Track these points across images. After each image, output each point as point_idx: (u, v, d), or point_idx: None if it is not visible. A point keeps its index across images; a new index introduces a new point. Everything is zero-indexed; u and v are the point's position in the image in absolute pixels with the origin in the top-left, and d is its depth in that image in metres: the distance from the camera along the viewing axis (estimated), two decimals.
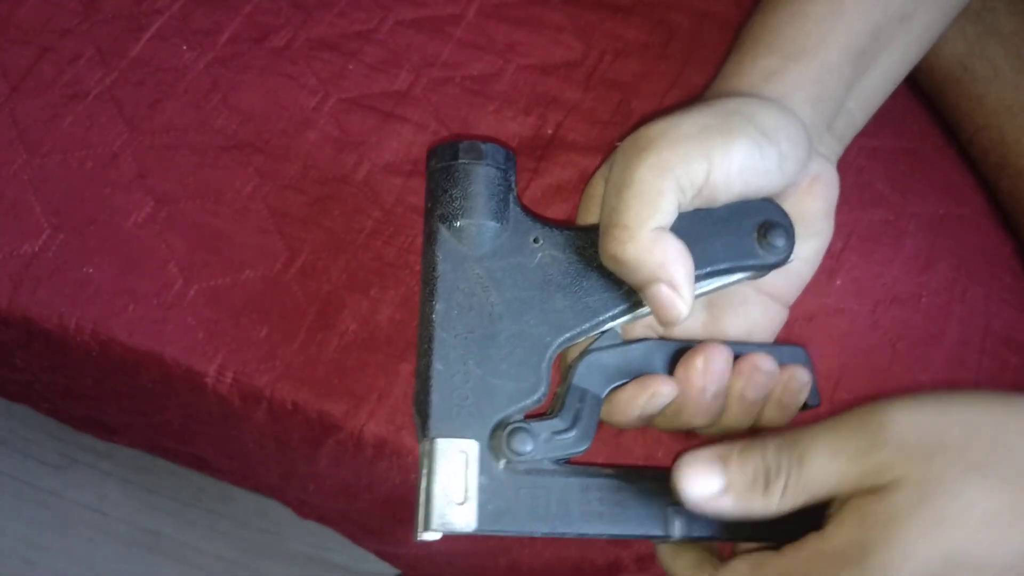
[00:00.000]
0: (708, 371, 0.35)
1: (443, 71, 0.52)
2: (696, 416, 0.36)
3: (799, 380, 0.37)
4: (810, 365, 0.39)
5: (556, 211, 0.48)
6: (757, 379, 0.36)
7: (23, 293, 0.44)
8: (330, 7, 0.54)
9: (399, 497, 0.46)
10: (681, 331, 0.40)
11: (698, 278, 0.35)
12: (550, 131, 0.50)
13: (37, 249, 0.45)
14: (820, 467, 0.31)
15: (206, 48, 0.52)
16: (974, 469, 0.28)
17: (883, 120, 0.46)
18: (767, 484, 0.32)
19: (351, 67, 0.52)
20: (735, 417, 0.37)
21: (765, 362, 0.36)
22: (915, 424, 0.30)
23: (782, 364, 0.37)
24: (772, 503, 0.32)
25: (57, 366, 0.49)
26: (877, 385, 0.44)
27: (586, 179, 0.48)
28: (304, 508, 0.59)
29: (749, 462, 0.32)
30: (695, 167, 0.34)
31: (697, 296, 0.36)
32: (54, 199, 0.47)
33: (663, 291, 0.34)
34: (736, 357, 0.37)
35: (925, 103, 0.54)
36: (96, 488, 0.97)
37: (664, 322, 0.35)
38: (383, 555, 0.63)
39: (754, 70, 0.40)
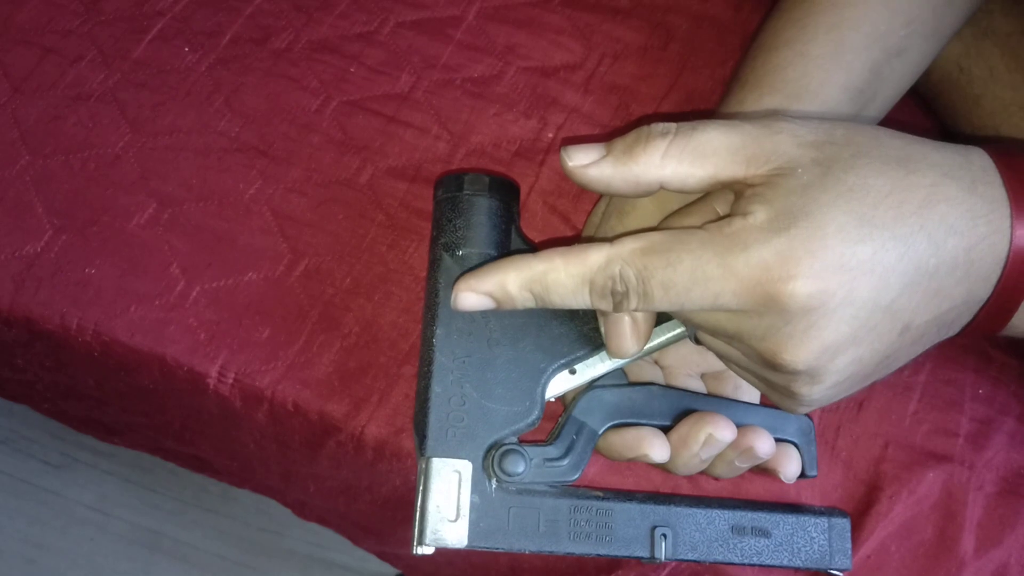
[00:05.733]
0: (708, 445, 0.36)
1: (444, 73, 0.52)
2: (681, 470, 0.38)
3: (789, 469, 0.38)
4: (813, 436, 0.39)
5: (557, 216, 0.48)
6: (751, 457, 0.37)
7: (25, 293, 0.45)
8: (331, 9, 0.54)
9: (399, 498, 0.47)
10: (679, 359, 0.40)
11: (663, 325, 0.37)
12: (551, 135, 0.50)
13: (39, 250, 0.46)
14: (713, 135, 0.31)
15: (208, 50, 0.52)
16: (861, 154, 0.30)
17: (880, 121, 0.46)
18: (648, 140, 0.31)
19: (352, 69, 0.52)
20: (717, 472, 0.38)
21: (764, 445, 0.36)
22: (804, 124, 0.31)
23: (779, 439, 0.38)
24: (653, 159, 0.31)
25: (58, 366, 0.50)
26: None
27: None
28: (304, 509, 0.60)
29: (630, 134, 0.32)
30: (692, 220, 0.35)
31: (655, 347, 0.38)
32: (56, 200, 0.47)
33: (625, 322, 0.35)
34: (738, 421, 0.37)
35: (921, 104, 0.54)
36: (97, 488, 0.97)
37: (612, 352, 0.36)
38: (383, 556, 0.63)
39: (757, 110, 0.41)
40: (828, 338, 0.29)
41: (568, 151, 0.32)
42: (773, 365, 0.30)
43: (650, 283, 0.30)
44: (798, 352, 0.29)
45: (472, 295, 0.33)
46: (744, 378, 0.35)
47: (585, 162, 0.32)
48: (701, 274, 0.29)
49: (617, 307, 0.32)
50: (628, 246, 0.31)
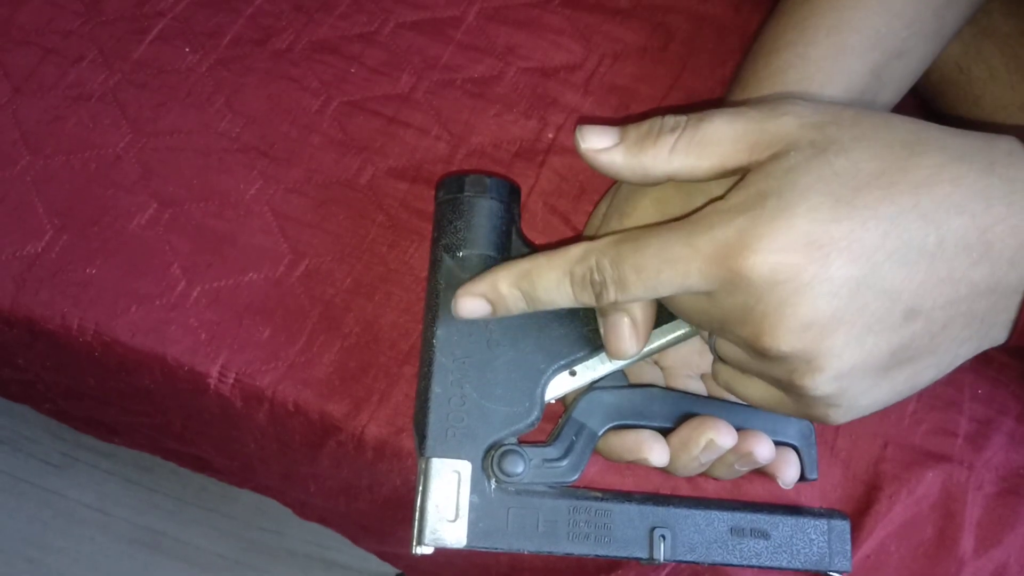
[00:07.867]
0: (708, 450, 0.36)
1: (444, 73, 0.52)
2: (681, 472, 0.37)
3: (787, 474, 0.38)
4: (813, 439, 0.39)
5: (557, 217, 0.48)
6: (751, 462, 0.37)
7: (26, 293, 0.45)
8: (331, 9, 0.54)
9: (399, 498, 0.47)
10: (680, 361, 0.40)
11: (662, 327, 0.37)
12: (551, 135, 0.50)
13: (40, 250, 0.46)
14: (718, 126, 0.31)
15: (208, 50, 0.52)
16: (864, 137, 0.29)
17: None
18: (659, 135, 0.32)
19: (353, 70, 0.52)
20: (717, 474, 0.38)
21: (763, 450, 0.36)
22: (813, 107, 0.31)
23: (779, 442, 0.38)
24: (662, 153, 0.32)
25: (59, 366, 0.50)
26: None
27: (585, 187, 0.49)
28: (305, 509, 0.60)
29: (644, 124, 0.33)
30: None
31: (655, 349, 0.38)
32: (57, 200, 0.47)
33: (624, 323, 0.35)
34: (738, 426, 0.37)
35: (922, 104, 0.54)
36: (98, 488, 0.97)
37: (611, 353, 0.36)
38: (383, 555, 0.63)
39: (770, 95, 0.41)
40: (805, 315, 0.28)
41: (583, 132, 0.33)
42: (761, 352, 0.29)
43: (622, 268, 0.31)
44: (776, 330, 0.28)
45: (468, 299, 0.35)
46: (769, 408, 0.34)
47: (598, 147, 0.33)
48: (669, 254, 0.29)
49: (599, 298, 0.32)
50: (605, 239, 0.32)
